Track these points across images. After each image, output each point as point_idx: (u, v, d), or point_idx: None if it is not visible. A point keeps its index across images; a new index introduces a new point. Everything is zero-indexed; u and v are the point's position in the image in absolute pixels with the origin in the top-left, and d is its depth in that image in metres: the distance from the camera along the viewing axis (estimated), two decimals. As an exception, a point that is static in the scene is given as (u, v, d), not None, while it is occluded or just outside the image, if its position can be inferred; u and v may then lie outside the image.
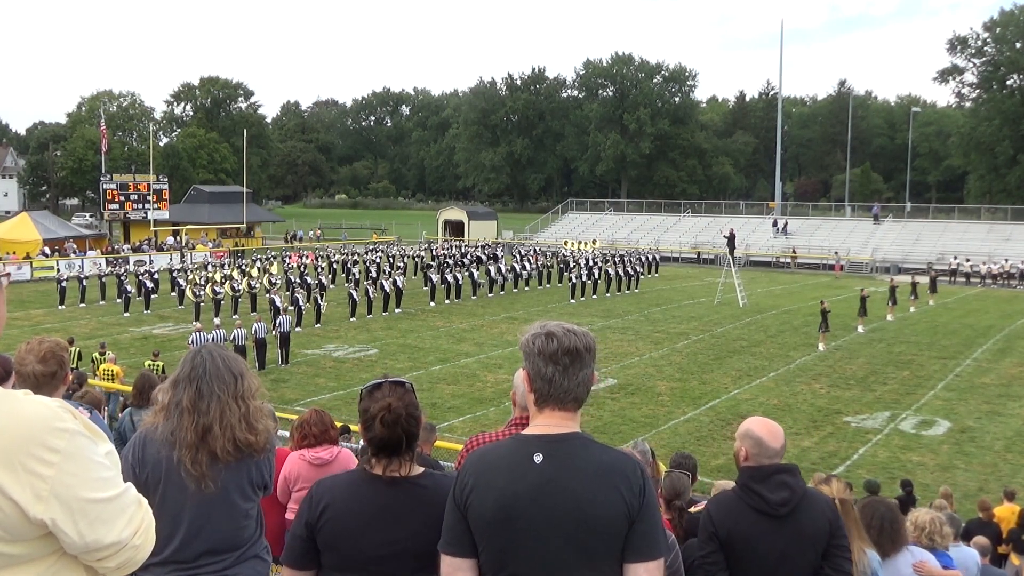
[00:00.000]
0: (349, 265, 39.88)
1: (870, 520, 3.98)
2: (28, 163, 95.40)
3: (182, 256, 46.80)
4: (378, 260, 40.88)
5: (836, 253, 51.25)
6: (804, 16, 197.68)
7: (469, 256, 45.17)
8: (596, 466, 2.19)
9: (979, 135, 72.04)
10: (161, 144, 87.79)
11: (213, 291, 29.86)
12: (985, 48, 72.65)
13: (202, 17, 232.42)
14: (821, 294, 32.85)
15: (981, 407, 18.56)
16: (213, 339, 20.01)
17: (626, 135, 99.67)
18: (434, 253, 46.70)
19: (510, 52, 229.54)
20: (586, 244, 55.61)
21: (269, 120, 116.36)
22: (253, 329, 21.75)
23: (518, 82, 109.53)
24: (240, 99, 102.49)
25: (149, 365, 16.95)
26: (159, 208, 53.13)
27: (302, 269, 37.29)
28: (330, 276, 38.03)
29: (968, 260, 46.56)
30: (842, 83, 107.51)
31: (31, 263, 41.69)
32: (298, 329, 25.54)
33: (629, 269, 39.27)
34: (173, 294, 32.96)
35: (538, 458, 2.20)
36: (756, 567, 3.01)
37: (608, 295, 36.36)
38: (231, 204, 59.56)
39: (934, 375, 21.59)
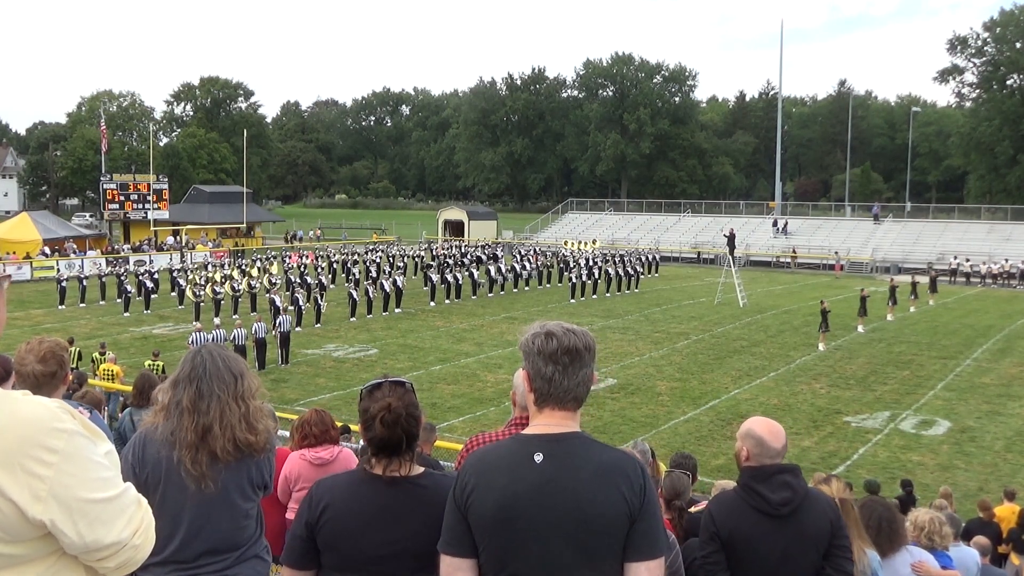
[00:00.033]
0: (349, 265, 39.85)
1: (868, 520, 3.98)
2: (28, 163, 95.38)
3: (182, 256, 46.79)
4: (378, 260, 40.85)
5: (836, 253, 51.22)
6: (804, 16, 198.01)
7: (469, 256, 45.16)
8: (596, 465, 2.19)
9: (979, 135, 72.06)
10: (161, 144, 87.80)
11: (213, 291, 29.84)
12: (985, 48, 72.69)
13: (202, 17, 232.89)
14: (821, 294, 32.84)
15: (981, 407, 18.56)
16: (213, 339, 20.00)
17: (626, 135, 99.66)
18: (434, 253, 46.66)
19: (510, 52, 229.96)
20: (586, 244, 55.56)
21: (269, 120, 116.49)
22: (253, 329, 21.75)
23: (518, 82, 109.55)
24: (240, 99, 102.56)
25: (149, 365, 16.95)
26: (159, 208, 53.14)
27: (302, 269, 37.28)
28: (330, 276, 38.00)
29: (968, 260, 46.53)
30: (842, 83, 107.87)
31: (31, 263, 41.70)
32: (298, 329, 25.54)
33: (629, 269, 39.25)
34: (173, 294, 32.95)
35: (538, 458, 2.19)
36: (757, 567, 3.01)
37: (608, 295, 36.35)
38: (231, 204, 59.54)
39: (934, 375, 21.59)
